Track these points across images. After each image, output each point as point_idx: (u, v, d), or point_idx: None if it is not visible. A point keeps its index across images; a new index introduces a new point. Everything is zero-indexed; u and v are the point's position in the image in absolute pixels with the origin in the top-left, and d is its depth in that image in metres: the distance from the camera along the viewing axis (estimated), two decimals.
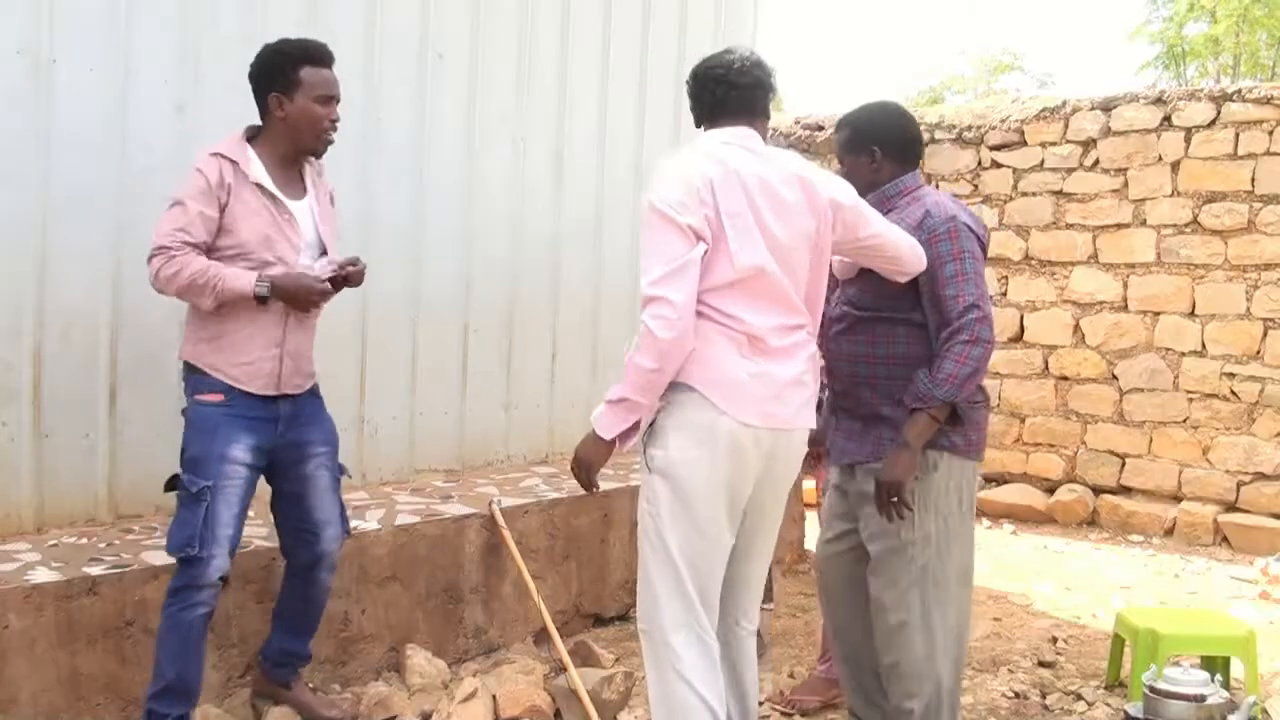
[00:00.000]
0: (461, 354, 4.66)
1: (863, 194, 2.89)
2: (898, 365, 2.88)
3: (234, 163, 2.96)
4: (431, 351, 4.52)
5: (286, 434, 3.06)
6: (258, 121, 3.07)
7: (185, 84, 3.64)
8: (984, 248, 2.90)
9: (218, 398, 2.95)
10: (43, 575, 2.98)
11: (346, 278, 3.07)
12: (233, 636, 3.28)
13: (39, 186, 3.35)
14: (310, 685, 3.34)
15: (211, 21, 3.69)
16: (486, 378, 4.76)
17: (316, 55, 3.03)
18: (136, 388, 3.58)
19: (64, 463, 3.46)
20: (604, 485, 4.40)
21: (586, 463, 2.71)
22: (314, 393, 3.19)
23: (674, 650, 2.66)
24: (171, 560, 3.12)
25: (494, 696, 3.39)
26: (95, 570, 3.05)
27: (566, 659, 3.55)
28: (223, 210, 2.93)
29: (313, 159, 3.13)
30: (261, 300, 2.91)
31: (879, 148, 3.00)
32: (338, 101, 3.06)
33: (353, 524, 3.64)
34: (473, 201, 4.64)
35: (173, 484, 2.98)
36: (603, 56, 5.17)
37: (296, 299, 2.97)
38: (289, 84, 2.99)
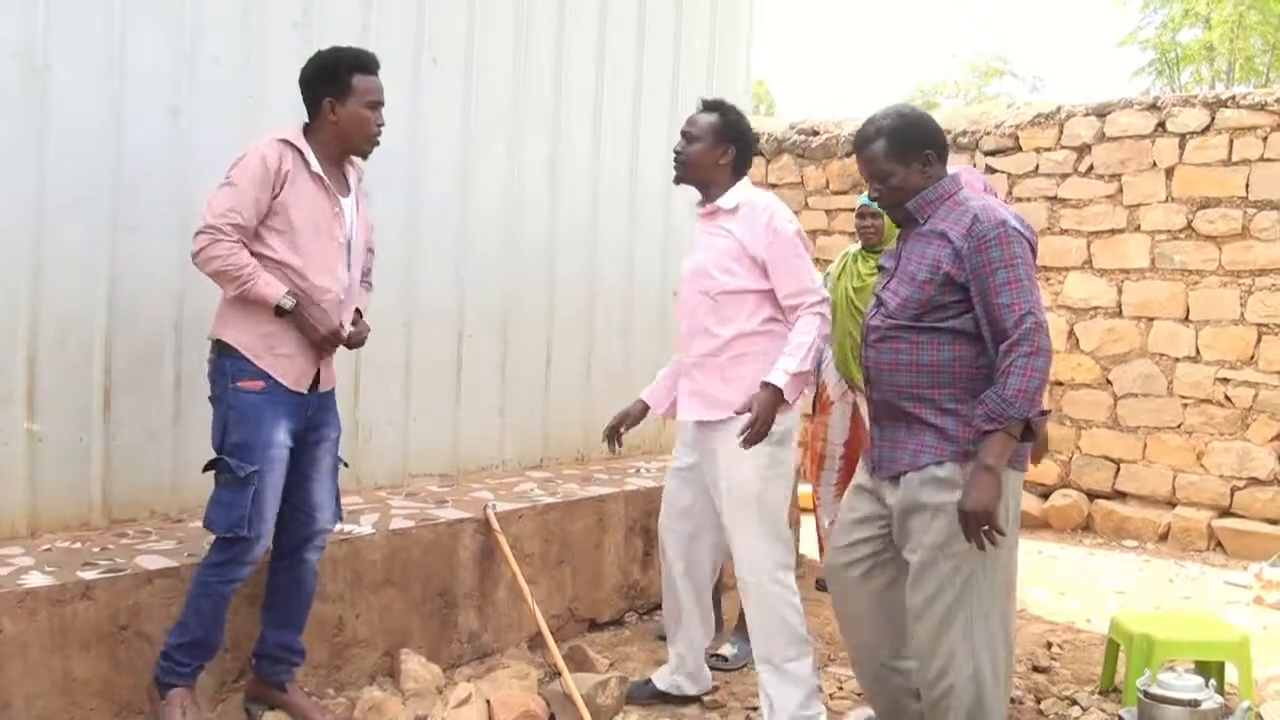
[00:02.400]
0: (456, 359, 4.66)
1: (910, 199, 2.85)
2: (940, 372, 2.79)
3: (298, 151, 3.06)
4: (426, 357, 4.52)
5: (312, 419, 3.18)
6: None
7: (180, 88, 3.64)
8: (1033, 250, 2.78)
9: (259, 385, 3.02)
10: (36, 580, 2.98)
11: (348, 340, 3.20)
12: (226, 641, 3.27)
13: (34, 191, 3.35)
14: (305, 689, 3.33)
15: (206, 26, 3.69)
16: (481, 383, 4.76)
17: (367, 63, 3.16)
18: (131, 392, 3.58)
19: (58, 467, 3.45)
20: (598, 490, 4.46)
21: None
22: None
23: (788, 586, 3.38)
24: (168, 564, 3.15)
25: (488, 701, 3.39)
26: (89, 575, 3.05)
27: (561, 664, 3.55)
28: (276, 195, 3.01)
29: (355, 160, 3.26)
30: (280, 313, 2.99)
31: (933, 150, 2.86)
32: (384, 106, 3.19)
33: (348, 529, 3.65)
34: (467, 206, 4.64)
35: (211, 465, 3.07)
36: (598, 61, 5.17)
37: (313, 328, 3.05)
38: (341, 89, 3.10)
